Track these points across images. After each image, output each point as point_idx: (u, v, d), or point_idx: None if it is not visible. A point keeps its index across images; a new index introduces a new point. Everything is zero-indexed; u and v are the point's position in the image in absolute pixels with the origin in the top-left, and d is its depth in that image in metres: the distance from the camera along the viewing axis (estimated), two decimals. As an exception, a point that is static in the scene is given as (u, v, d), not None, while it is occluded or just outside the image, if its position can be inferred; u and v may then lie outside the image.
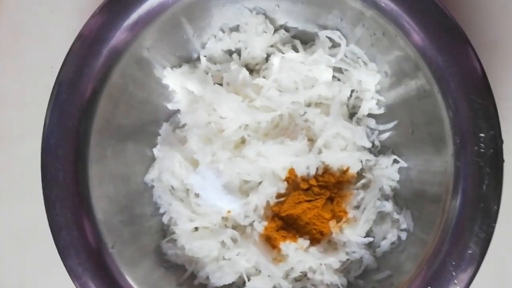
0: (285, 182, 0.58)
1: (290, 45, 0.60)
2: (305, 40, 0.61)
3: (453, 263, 0.49)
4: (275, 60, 0.59)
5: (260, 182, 0.58)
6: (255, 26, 0.60)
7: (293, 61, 0.59)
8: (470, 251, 0.49)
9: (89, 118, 0.53)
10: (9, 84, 0.66)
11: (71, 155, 0.52)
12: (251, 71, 0.61)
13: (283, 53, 0.59)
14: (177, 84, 0.61)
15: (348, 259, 0.58)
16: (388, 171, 0.59)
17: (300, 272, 0.58)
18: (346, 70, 0.60)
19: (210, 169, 0.58)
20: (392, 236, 0.57)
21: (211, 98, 0.58)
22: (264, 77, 0.59)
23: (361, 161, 0.59)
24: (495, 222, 0.49)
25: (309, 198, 0.56)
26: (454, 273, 0.49)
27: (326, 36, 0.59)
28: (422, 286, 0.50)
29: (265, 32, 0.60)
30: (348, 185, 0.58)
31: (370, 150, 0.59)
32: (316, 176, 0.58)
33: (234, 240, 0.58)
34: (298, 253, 0.56)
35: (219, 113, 0.58)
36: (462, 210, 0.49)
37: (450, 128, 0.50)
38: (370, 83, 0.59)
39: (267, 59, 0.61)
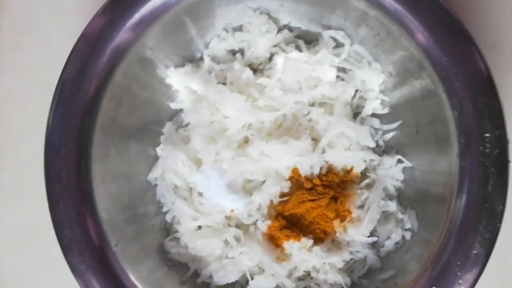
0: (289, 182, 0.58)
1: (293, 45, 0.60)
2: (309, 40, 0.61)
3: (458, 263, 0.49)
4: (279, 60, 0.59)
5: (264, 181, 0.58)
6: (258, 26, 0.60)
7: (297, 61, 0.58)
8: (475, 251, 0.48)
9: (92, 117, 0.53)
10: (11, 83, 0.66)
11: (74, 153, 0.52)
12: (254, 70, 0.61)
13: (286, 53, 0.59)
14: (180, 84, 0.60)
15: (352, 259, 0.58)
16: (392, 171, 0.58)
17: (304, 271, 0.57)
18: (350, 70, 0.59)
19: (214, 168, 0.57)
20: (396, 236, 0.57)
21: (214, 97, 0.58)
22: (267, 77, 0.59)
23: (365, 161, 0.59)
24: (500, 222, 0.48)
25: (312, 198, 0.56)
26: (459, 273, 0.49)
27: (330, 36, 0.59)
28: (427, 286, 0.50)
29: (269, 32, 0.60)
30: (352, 185, 0.58)
31: (374, 150, 0.59)
32: (320, 176, 0.57)
33: (238, 239, 0.57)
34: (301, 252, 0.56)
35: (223, 112, 0.58)
36: (467, 210, 0.49)
37: (455, 128, 0.50)
38: (374, 83, 0.59)
39: (270, 59, 0.61)
